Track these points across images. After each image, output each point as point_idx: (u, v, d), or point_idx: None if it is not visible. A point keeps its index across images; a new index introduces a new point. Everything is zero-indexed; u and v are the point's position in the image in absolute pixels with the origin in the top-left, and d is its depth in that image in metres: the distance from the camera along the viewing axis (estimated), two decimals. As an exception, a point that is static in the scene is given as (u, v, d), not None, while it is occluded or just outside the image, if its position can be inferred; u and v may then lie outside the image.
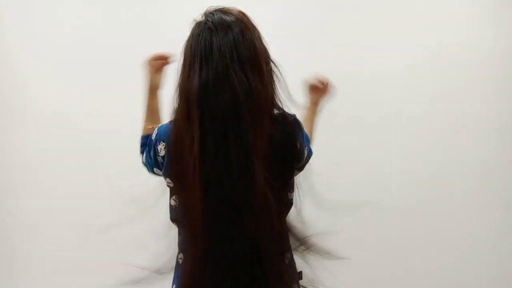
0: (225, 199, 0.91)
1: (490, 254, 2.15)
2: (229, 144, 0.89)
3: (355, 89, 2.06)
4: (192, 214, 0.94)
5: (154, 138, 1.04)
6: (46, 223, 2.07)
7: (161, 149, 1.01)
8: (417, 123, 2.09)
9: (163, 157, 1.02)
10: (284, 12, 2.03)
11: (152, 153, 1.05)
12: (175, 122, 0.97)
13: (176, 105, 0.97)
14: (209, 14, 0.97)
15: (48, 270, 2.09)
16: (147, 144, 1.09)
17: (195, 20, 0.99)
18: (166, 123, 1.03)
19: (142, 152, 1.13)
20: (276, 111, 0.99)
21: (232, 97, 0.89)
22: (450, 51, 2.08)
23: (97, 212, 2.06)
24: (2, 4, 1.99)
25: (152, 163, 1.07)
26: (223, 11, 0.97)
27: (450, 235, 2.14)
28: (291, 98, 1.03)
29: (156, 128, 1.05)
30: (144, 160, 1.12)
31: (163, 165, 1.03)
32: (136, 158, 2.02)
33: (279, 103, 1.01)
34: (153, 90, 1.19)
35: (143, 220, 2.07)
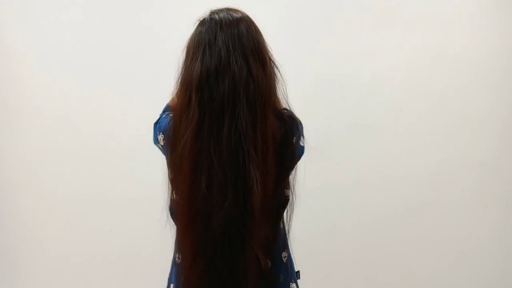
0: (213, 182, 0.91)
1: (491, 254, 2.16)
2: (223, 129, 0.90)
3: (356, 89, 2.06)
4: (183, 200, 0.94)
5: (157, 125, 1.07)
6: (46, 223, 2.07)
7: (160, 139, 1.04)
8: (417, 123, 2.09)
9: (163, 146, 1.05)
10: (285, 13, 2.03)
11: (154, 134, 1.07)
12: (174, 113, 0.99)
13: (176, 94, 0.99)
14: (215, 11, 1.01)
15: (48, 270, 2.09)
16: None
17: (199, 20, 1.02)
18: (168, 114, 1.05)
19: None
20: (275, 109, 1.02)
21: (231, 83, 0.91)
22: (450, 51, 2.08)
23: (97, 212, 2.06)
24: (2, 5, 1.99)
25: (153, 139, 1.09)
26: (229, 9, 1.01)
27: (450, 236, 2.14)
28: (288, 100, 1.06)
29: (159, 117, 1.08)
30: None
31: (163, 152, 1.06)
32: (136, 159, 2.04)
33: (280, 102, 1.04)
34: None
35: (142, 220, 2.07)
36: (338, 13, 2.04)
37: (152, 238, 2.04)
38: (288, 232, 1.12)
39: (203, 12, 1.05)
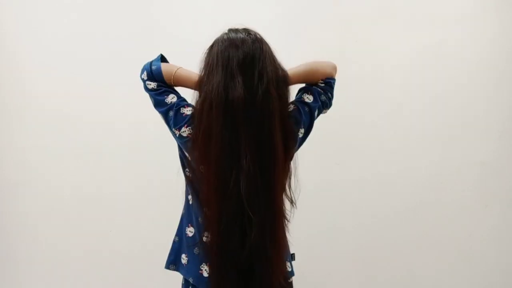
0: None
1: (491, 254, 2.16)
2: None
3: (355, 89, 2.06)
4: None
5: (185, 118, 1.12)
6: (46, 223, 2.07)
7: (184, 131, 1.11)
8: (417, 123, 2.10)
9: (185, 137, 1.11)
10: (284, 12, 2.03)
11: (172, 115, 1.13)
12: (201, 112, 1.05)
13: (199, 100, 1.07)
14: (233, 31, 1.10)
15: (48, 270, 2.09)
16: (168, 90, 1.17)
17: (224, 33, 1.10)
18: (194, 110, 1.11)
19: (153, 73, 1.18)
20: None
21: (244, 95, 1.01)
22: (450, 50, 2.08)
23: (97, 212, 2.06)
24: (2, 5, 1.99)
25: (162, 110, 1.15)
26: (246, 30, 1.11)
27: (450, 236, 2.14)
28: None
29: (189, 109, 1.13)
30: (153, 93, 1.17)
31: (179, 140, 1.13)
32: (137, 158, 2.04)
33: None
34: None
35: (142, 220, 2.07)
36: (338, 13, 2.05)
37: (152, 237, 2.04)
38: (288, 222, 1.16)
39: (226, 28, 1.11)
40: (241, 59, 1.03)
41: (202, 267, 1.14)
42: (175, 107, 1.13)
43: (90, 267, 2.08)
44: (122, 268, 2.09)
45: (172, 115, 1.12)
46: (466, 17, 2.07)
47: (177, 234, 1.23)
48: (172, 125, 1.13)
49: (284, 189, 1.10)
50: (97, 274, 2.09)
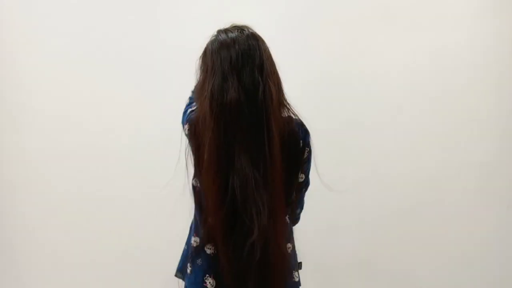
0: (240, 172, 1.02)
1: (491, 255, 2.16)
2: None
3: (355, 89, 2.06)
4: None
5: (184, 118, 1.16)
6: (47, 223, 2.07)
7: (186, 128, 1.14)
8: (417, 123, 2.09)
9: (186, 134, 1.15)
10: (283, 13, 2.03)
11: (182, 117, 1.18)
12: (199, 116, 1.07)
13: (198, 102, 1.09)
14: (222, 32, 1.10)
15: (48, 270, 2.09)
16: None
17: (213, 35, 1.10)
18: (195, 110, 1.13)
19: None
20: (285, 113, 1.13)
21: (239, 94, 1.01)
22: (450, 51, 2.08)
23: (98, 213, 2.06)
24: (3, 4, 1.99)
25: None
26: (237, 27, 1.10)
27: (450, 236, 2.14)
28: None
29: (189, 105, 1.17)
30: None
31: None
32: (139, 159, 2.04)
33: (287, 106, 1.14)
34: None
35: (143, 220, 2.07)
36: (337, 12, 2.05)
37: (152, 238, 2.04)
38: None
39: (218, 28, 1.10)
40: (234, 59, 1.02)
41: (206, 279, 1.13)
42: (186, 107, 1.18)
43: (90, 268, 2.08)
44: (123, 269, 2.09)
45: (182, 117, 1.17)
46: (466, 18, 2.07)
47: (186, 242, 1.22)
48: (183, 123, 1.15)
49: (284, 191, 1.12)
50: (97, 274, 2.09)
